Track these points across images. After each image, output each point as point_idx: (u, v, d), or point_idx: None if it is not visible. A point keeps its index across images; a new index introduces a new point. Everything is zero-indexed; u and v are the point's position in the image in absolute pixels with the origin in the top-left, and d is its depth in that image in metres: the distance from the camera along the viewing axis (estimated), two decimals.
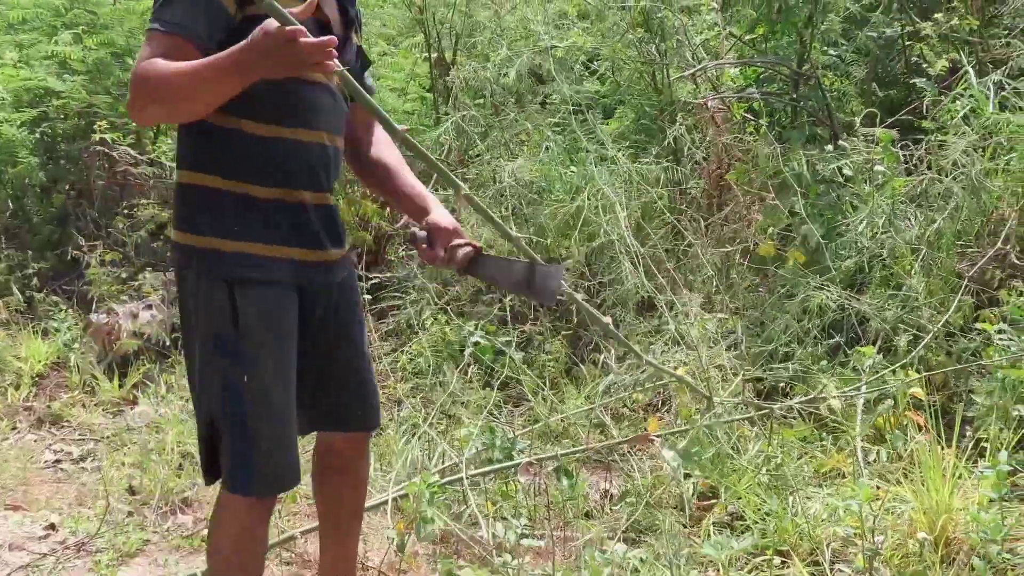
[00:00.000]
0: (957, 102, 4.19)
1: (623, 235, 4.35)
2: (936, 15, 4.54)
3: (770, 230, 4.54)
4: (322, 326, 2.13)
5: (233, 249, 1.95)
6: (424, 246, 2.18)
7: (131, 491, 3.65)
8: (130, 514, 3.48)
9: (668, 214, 4.74)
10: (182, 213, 2.01)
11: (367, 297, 4.97)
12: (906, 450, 3.17)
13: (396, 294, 4.96)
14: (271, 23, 1.71)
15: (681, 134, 4.90)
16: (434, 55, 6.14)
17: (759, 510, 3.12)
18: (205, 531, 3.31)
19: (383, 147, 2.32)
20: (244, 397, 1.94)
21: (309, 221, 2.06)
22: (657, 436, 3.57)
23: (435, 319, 4.53)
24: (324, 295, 2.12)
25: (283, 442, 2.02)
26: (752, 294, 4.46)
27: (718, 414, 3.46)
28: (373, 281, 5.13)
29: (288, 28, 1.69)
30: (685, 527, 3.15)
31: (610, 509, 3.40)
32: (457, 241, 2.16)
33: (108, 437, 4.21)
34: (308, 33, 1.71)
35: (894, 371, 3.61)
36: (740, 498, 3.22)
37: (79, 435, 4.36)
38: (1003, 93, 4.28)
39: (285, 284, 2.00)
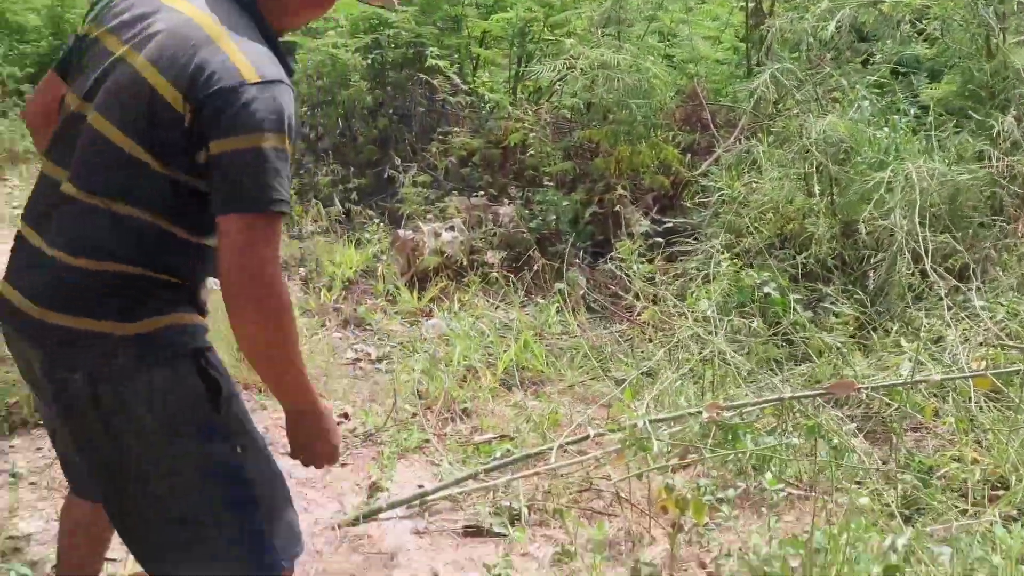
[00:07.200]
0: None
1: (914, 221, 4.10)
2: None
3: None
4: None
5: (191, 321, 1.72)
6: None
7: (418, 395, 3.90)
8: (414, 415, 3.72)
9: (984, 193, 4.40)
10: (117, 303, 1.63)
11: (659, 240, 4.98)
12: None
13: (688, 240, 4.94)
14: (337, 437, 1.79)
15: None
16: (751, 4, 5.98)
17: None
18: (478, 439, 3.52)
19: None
20: (248, 469, 1.72)
21: None
22: (862, 387, 3.30)
23: (731, 263, 4.46)
24: None
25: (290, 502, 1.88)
26: None
27: None
28: (667, 225, 5.14)
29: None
30: (965, 512, 2.95)
31: (884, 482, 3.24)
32: None
33: (403, 344, 4.51)
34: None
35: None
36: None
37: (378, 339, 4.70)
38: None
39: None
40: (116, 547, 2.86)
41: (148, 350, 1.62)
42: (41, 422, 2.12)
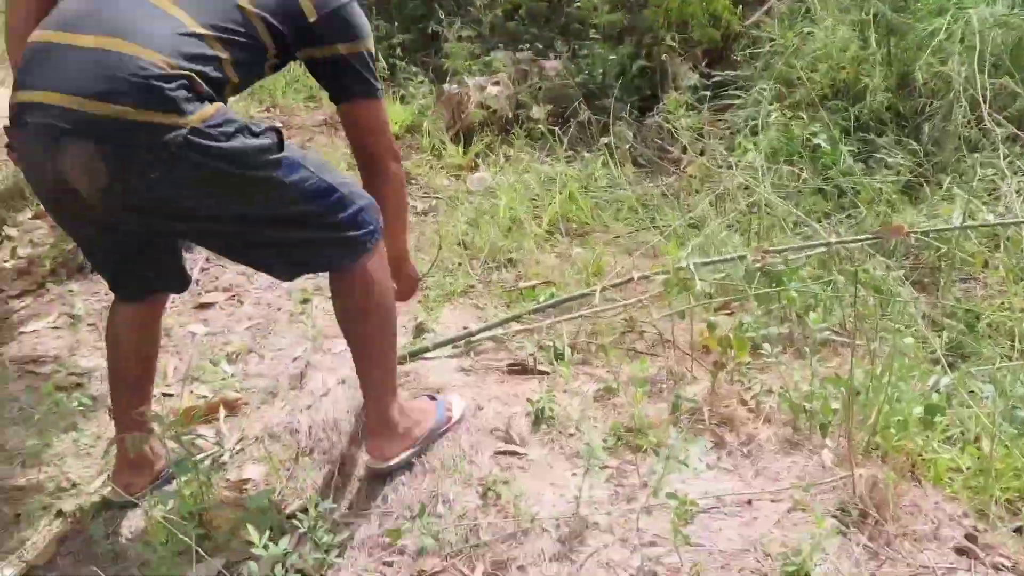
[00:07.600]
0: None
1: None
2: None
3: None
4: None
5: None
6: None
7: (463, 245, 3.93)
8: (459, 264, 3.76)
9: None
10: (184, 98, 1.82)
11: (707, 94, 4.88)
12: None
13: (737, 92, 4.83)
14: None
15: None
16: None
17: None
18: (523, 285, 3.56)
19: None
20: (324, 177, 2.06)
21: None
22: (912, 232, 3.24)
23: (781, 114, 4.37)
24: None
25: None
26: None
27: None
28: (716, 79, 5.02)
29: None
30: (1010, 360, 2.94)
31: (930, 328, 3.22)
32: None
33: (449, 197, 4.52)
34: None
35: None
36: None
37: (424, 193, 4.71)
38: None
39: None
40: (173, 383, 2.98)
41: (214, 131, 1.85)
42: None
